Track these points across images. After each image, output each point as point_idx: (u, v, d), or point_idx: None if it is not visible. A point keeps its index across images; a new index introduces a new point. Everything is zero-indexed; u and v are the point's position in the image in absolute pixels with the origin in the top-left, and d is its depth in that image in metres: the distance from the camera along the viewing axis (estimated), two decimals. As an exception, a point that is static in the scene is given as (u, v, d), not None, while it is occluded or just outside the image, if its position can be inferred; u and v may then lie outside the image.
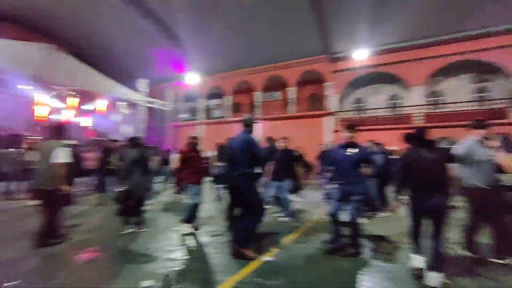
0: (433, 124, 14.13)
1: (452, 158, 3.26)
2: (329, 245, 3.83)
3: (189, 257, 3.61)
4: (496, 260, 3.33)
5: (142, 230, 4.66)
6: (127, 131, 16.46)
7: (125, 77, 16.55)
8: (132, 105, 16.81)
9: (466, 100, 15.26)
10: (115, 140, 7.76)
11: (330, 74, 17.51)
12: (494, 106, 14.53)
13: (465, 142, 3.55)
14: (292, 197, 8.22)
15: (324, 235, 4.53)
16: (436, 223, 3.00)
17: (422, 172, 3.04)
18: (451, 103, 15.36)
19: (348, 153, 3.68)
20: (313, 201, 7.48)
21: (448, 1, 13.47)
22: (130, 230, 4.59)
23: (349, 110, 18.51)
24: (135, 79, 16.05)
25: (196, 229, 4.77)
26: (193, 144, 4.88)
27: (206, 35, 19.03)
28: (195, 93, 22.18)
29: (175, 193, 5.64)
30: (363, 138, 7.34)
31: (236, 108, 22.67)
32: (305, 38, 17.13)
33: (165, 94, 21.13)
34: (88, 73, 12.41)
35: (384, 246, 4.07)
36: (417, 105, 15.35)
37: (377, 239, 4.41)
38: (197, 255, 3.69)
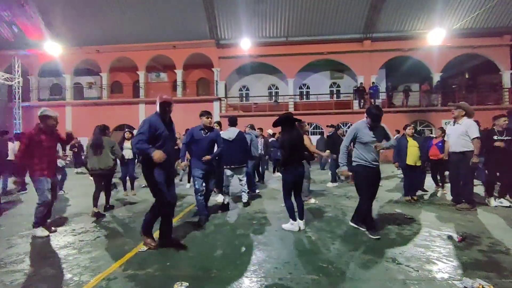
0: (301, 112, 16.78)
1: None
2: (200, 219, 4.33)
3: (42, 263, 3.09)
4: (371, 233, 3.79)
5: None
6: None
7: None
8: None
9: (325, 93, 18.78)
10: None
11: (218, 59, 17.77)
12: (344, 98, 18.50)
13: (356, 123, 3.84)
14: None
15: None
16: (299, 186, 4.04)
17: (296, 148, 3.89)
18: (314, 94, 18.55)
19: (205, 135, 4.39)
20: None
21: (312, 9, 15.88)
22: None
23: (235, 97, 19.51)
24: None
25: (52, 230, 4.09)
26: (45, 125, 3.81)
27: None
28: (59, 67, 18.08)
29: (18, 190, 4.62)
30: (246, 123, 7.98)
31: (115, 88, 20.06)
32: (192, 20, 16.64)
33: (13, 65, 16.33)
34: None
35: (258, 217, 4.66)
36: (289, 95, 17.72)
37: (255, 210, 5.02)
38: (53, 259, 3.20)
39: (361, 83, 16.78)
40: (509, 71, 16.33)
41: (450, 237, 3.64)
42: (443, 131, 6.78)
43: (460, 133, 4.90)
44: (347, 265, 2.89)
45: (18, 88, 15.90)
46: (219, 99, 17.60)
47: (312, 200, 5.70)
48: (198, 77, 20.03)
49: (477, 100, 16.51)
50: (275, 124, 4.10)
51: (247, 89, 20.01)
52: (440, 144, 6.39)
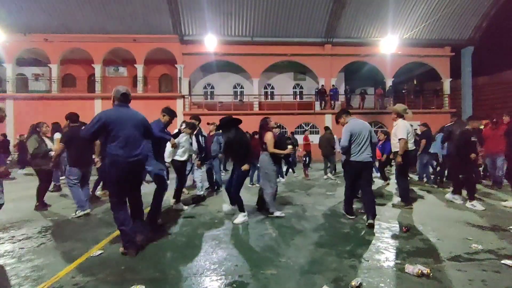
0: (265, 112, 17.02)
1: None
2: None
3: (-29, 276, 2.74)
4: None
5: None
6: None
7: None
8: None
9: (289, 93, 19.29)
10: None
11: (181, 56, 17.27)
12: (306, 99, 19.16)
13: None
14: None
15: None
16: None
17: (247, 147, 4.33)
18: (278, 94, 18.95)
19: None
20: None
21: (277, 11, 16.19)
22: None
23: (199, 94, 19.16)
24: None
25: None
26: None
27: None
28: (-3, 55, 16.11)
29: None
30: (211, 121, 7.87)
31: (68, 81, 18.49)
32: (154, 13, 15.98)
33: None
34: None
35: (219, 216, 4.63)
36: (254, 95, 17.87)
37: (217, 209, 4.97)
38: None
39: (322, 85, 17.52)
40: (448, 79, 18.30)
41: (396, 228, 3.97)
42: (386, 134, 7.41)
43: (393, 134, 5.09)
44: (305, 259, 3.00)
45: None
46: (183, 96, 17.13)
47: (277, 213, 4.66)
48: (160, 73, 19.29)
49: (422, 104, 18.22)
50: (218, 128, 4.43)
51: (212, 87, 19.76)
52: (381, 146, 6.99)
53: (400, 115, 5.05)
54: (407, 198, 5.17)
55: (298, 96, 19.80)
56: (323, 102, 17.46)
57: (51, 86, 17.16)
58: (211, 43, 15.18)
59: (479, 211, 4.83)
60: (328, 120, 16.92)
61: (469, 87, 18.25)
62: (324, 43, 17.66)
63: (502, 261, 2.85)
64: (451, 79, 18.35)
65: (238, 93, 19.61)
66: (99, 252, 3.21)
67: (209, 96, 19.63)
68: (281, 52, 17.43)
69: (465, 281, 2.51)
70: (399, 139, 4.84)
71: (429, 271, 2.61)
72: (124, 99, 3.21)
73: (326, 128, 9.47)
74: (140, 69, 17.22)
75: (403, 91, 19.59)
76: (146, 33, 16.58)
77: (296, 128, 16.89)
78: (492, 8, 16.96)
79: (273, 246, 3.38)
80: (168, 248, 3.36)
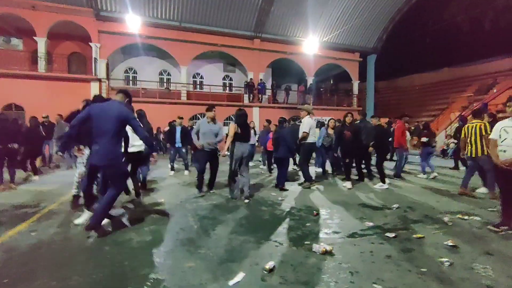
0: (193, 101, 16.58)
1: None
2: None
3: None
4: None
5: None
6: None
7: None
8: None
9: (218, 84, 19.15)
10: None
11: (97, 33, 15.20)
12: (235, 92, 19.37)
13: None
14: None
15: (72, 217, 4.07)
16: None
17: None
18: (207, 85, 18.64)
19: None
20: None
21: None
22: None
23: (119, 79, 17.32)
24: None
25: None
26: None
27: None
28: None
29: None
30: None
31: None
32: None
33: None
34: None
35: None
36: (182, 83, 17.13)
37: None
38: None
39: (251, 78, 17.96)
40: (357, 81, 21.09)
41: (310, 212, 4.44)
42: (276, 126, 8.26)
43: (300, 128, 6.41)
44: (224, 248, 3.08)
45: None
46: (99, 80, 15.18)
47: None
48: (70, 51, 16.62)
49: (337, 102, 20.57)
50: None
51: (135, 72, 18.07)
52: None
53: (310, 113, 6.46)
54: (309, 179, 6.44)
55: (227, 88, 19.83)
56: (251, 96, 17.94)
57: None
58: (133, 23, 13.80)
59: (372, 195, 5.77)
60: (256, 113, 17.51)
61: (372, 89, 21.42)
62: (254, 37, 18.04)
63: (386, 234, 3.49)
64: (359, 81, 21.19)
65: (165, 80, 18.46)
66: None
67: (131, 82, 17.91)
68: (211, 41, 17.05)
69: (357, 254, 2.99)
70: (303, 132, 6.25)
71: (331, 248, 3.01)
72: None
73: (268, 121, 9.55)
74: (42, 43, 14.45)
75: (321, 89, 21.72)
76: (50, 1, 13.95)
77: (225, 120, 16.93)
78: (391, 23, 20.14)
79: (193, 239, 3.36)
80: (76, 243, 3.00)
